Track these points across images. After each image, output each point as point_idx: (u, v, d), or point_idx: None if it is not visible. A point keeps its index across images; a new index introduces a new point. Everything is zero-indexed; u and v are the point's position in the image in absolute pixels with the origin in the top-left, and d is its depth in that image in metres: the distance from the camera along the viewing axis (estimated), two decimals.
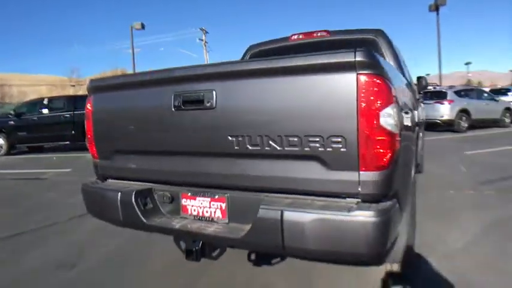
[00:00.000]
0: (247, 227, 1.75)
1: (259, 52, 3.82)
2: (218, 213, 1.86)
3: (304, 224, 1.50)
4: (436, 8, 23.05)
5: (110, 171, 2.25)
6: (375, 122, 1.44)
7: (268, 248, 1.71)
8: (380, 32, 3.28)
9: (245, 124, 1.68)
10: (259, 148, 1.66)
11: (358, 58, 1.43)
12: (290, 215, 1.53)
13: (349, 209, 1.47)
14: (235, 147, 1.72)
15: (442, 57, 23.39)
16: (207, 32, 36.19)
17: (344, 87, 1.48)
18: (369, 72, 1.44)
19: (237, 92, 1.71)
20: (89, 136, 2.28)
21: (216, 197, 1.86)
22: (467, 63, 76.51)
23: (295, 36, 3.65)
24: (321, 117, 1.52)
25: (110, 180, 2.29)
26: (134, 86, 2.05)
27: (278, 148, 1.62)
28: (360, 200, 1.53)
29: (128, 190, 2.01)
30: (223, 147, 1.76)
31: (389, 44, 3.22)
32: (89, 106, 2.24)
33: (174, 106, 1.84)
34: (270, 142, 1.63)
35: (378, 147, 1.46)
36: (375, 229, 1.42)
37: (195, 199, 1.93)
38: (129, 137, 2.08)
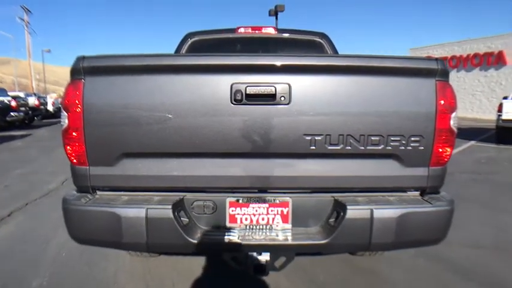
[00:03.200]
0: (315, 229, 1.69)
1: (201, 41, 3.49)
2: (278, 219, 1.69)
3: (393, 220, 1.58)
4: (275, 13, 25.61)
5: (110, 181, 1.65)
6: (447, 122, 1.65)
7: (354, 247, 1.69)
8: (325, 35, 3.56)
9: (325, 123, 1.59)
10: (339, 147, 1.61)
11: (439, 67, 1.60)
12: (379, 213, 1.57)
13: (431, 201, 1.64)
14: (311, 147, 1.60)
15: None
16: (29, 11, 29.31)
17: (424, 91, 1.62)
18: (444, 79, 1.63)
19: (317, 88, 1.58)
20: (72, 135, 1.61)
21: (277, 201, 1.68)
22: None
23: (242, 29, 3.53)
24: (403, 117, 1.61)
25: (100, 193, 1.69)
26: (163, 70, 1.57)
27: (360, 147, 1.61)
28: (425, 192, 1.72)
29: (158, 204, 1.56)
30: (295, 147, 1.60)
31: (333, 46, 3.55)
32: (73, 93, 1.57)
33: (234, 100, 1.54)
34: (352, 141, 1.61)
35: (447, 145, 1.68)
36: (449, 216, 1.65)
37: (247, 206, 1.68)
38: (151, 137, 1.58)
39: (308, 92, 1.57)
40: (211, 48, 3.43)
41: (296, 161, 1.64)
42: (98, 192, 1.70)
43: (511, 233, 3.32)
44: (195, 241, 1.57)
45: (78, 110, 1.58)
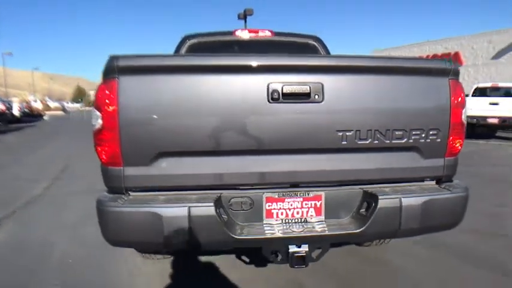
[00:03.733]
0: (347, 220, 1.80)
1: (200, 44, 3.51)
2: (312, 212, 1.77)
3: (418, 207, 1.72)
4: (244, 17, 25.66)
5: (145, 181, 1.65)
6: (460, 117, 1.82)
7: (385, 235, 1.80)
8: (318, 38, 3.71)
9: (355, 119, 1.70)
10: (367, 142, 1.72)
11: (452, 67, 1.77)
12: (407, 201, 1.70)
13: (449, 189, 1.80)
14: (343, 142, 1.70)
15: None
16: None
17: (440, 88, 1.78)
18: (455, 78, 1.80)
19: (347, 87, 1.69)
20: (106, 135, 1.60)
21: (311, 195, 1.76)
22: None
23: (239, 32, 3.60)
24: (423, 112, 1.76)
25: (134, 194, 1.69)
26: (199, 70, 1.61)
27: (386, 141, 1.74)
28: (441, 181, 1.88)
29: (200, 202, 1.59)
30: (328, 142, 1.70)
31: (326, 49, 3.71)
32: (108, 92, 1.57)
33: (272, 98, 1.61)
34: (378, 136, 1.73)
35: (458, 137, 1.84)
36: (465, 202, 1.82)
37: (283, 201, 1.75)
38: (189, 135, 1.61)
39: (339, 91, 1.67)
40: (209, 50, 3.46)
41: (329, 156, 1.73)
42: (131, 193, 1.69)
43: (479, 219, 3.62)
44: (238, 237, 1.61)
45: (113, 109, 1.58)
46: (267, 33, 3.62)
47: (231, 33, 3.58)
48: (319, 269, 2.48)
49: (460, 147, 1.88)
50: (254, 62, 1.61)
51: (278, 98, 1.61)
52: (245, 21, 25.32)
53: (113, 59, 1.57)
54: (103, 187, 1.73)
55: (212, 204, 1.58)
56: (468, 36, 20.37)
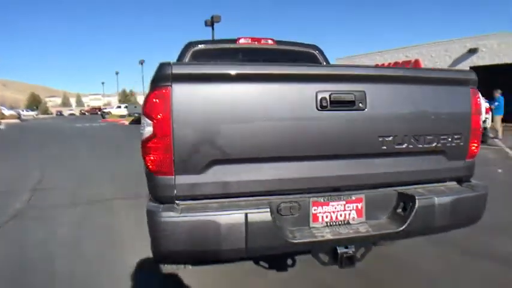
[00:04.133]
0: (384, 221, 1.92)
1: (205, 51, 3.53)
2: (353, 214, 1.86)
3: (448, 205, 1.87)
4: (211, 23, 25.59)
5: (196, 189, 1.66)
6: (478, 122, 2.00)
7: (421, 232, 1.91)
8: (317, 47, 3.86)
9: (395, 125, 1.82)
10: (403, 146, 1.85)
11: (472, 77, 1.95)
12: (439, 200, 1.85)
13: (472, 188, 1.97)
14: (383, 147, 1.82)
15: None
16: None
17: (463, 96, 1.95)
18: (475, 87, 1.99)
19: (386, 95, 1.81)
20: (158, 143, 1.59)
21: (353, 198, 1.86)
22: None
23: (243, 40, 3.66)
24: (449, 118, 1.93)
25: (183, 203, 1.68)
26: (251, 78, 1.65)
27: (419, 145, 1.88)
28: (462, 181, 2.05)
29: (257, 208, 1.63)
30: (370, 148, 1.81)
31: (325, 57, 3.86)
32: (160, 100, 1.57)
33: (320, 106, 1.69)
34: (413, 140, 1.86)
35: (477, 140, 2.03)
36: (485, 199, 2.00)
37: (328, 205, 1.83)
38: (240, 143, 1.65)
39: (379, 99, 1.79)
40: (213, 57, 3.50)
41: (369, 160, 1.84)
42: (180, 202, 1.69)
43: None
44: (293, 241, 1.67)
45: (167, 117, 1.58)
46: (270, 42, 3.71)
47: (235, 41, 3.64)
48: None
49: (477, 150, 2.07)
50: (305, 71, 1.69)
51: (326, 106, 1.70)
52: (212, 28, 25.26)
53: (166, 66, 1.57)
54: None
55: (268, 209, 1.62)
56: (427, 45, 21.76)
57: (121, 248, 3.15)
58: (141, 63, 55.83)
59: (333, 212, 1.84)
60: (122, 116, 37.92)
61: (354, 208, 1.87)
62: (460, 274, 2.65)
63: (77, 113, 76.83)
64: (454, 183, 2.07)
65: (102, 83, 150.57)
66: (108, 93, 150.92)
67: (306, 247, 1.77)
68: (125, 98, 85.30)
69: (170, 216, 1.58)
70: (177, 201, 1.67)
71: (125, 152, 9.61)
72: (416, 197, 1.82)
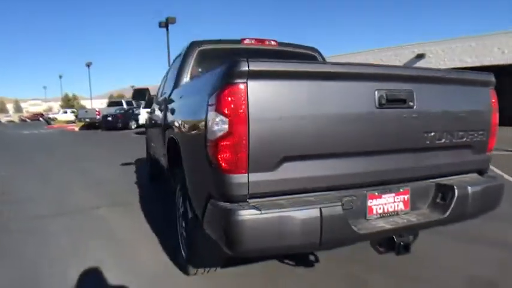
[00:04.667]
0: (426, 210, 2.09)
1: (209, 50, 3.50)
2: (401, 206, 2.00)
3: (479, 193, 2.09)
4: (166, 25, 24.94)
5: (267, 186, 1.68)
6: (497, 119, 2.25)
7: (459, 218, 2.09)
8: (317, 50, 4.01)
9: (437, 122, 2.00)
10: (442, 141, 2.04)
11: (492, 78, 2.20)
12: (472, 189, 2.06)
13: (494, 178, 2.21)
14: (427, 142, 1.98)
15: None
16: None
17: (486, 96, 2.20)
18: (493, 88, 2.24)
19: (429, 94, 1.98)
20: (233, 140, 1.59)
21: (401, 190, 1.99)
22: None
23: (248, 41, 3.69)
24: (476, 116, 2.16)
25: (253, 200, 1.69)
26: (323, 76, 1.74)
27: (454, 140, 2.08)
28: (482, 172, 2.29)
29: (330, 202, 1.70)
30: (416, 143, 1.97)
31: (323, 59, 4.02)
32: (236, 96, 1.58)
33: (379, 104, 1.81)
34: (449, 136, 2.06)
35: (495, 136, 2.28)
36: (503, 188, 2.25)
37: (381, 197, 1.95)
38: (310, 139, 1.71)
39: (424, 97, 1.96)
40: (219, 57, 3.49)
41: (415, 154, 2.01)
42: (250, 200, 1.69)
43: None
44: (361, 232, 1.76)
45: (243, 114, 1.59)
46: (273, 43, 3.80)
47: (240, 41, 3.67)
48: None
49: (494, 144, 2.33)
50: (366, 71, 1.81)
51: (384, 104, 1.82)
52: (167, 30, 24.66)
53: (240, 62, 1.58)
54: None
55: (340, 204, 1.70)
56: (378, 50, 23.20)
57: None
58: (88, 66, 52.61)
59: (385, 204, 1.96)
60: (70, 122, 35.46)
61: (402, 200, 2.00)
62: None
63: (16, 120, 70.23)
64: (476, 174, 2.30)
65: (44, 88, 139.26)
66: (50, 98, 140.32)
67: (370, 238, 1.88)
68: (68, 102, 79.27)
69: (251, 214, 1.58)
70: (248, 200, 1.68)
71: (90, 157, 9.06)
72: (456, 187, 2.00)
